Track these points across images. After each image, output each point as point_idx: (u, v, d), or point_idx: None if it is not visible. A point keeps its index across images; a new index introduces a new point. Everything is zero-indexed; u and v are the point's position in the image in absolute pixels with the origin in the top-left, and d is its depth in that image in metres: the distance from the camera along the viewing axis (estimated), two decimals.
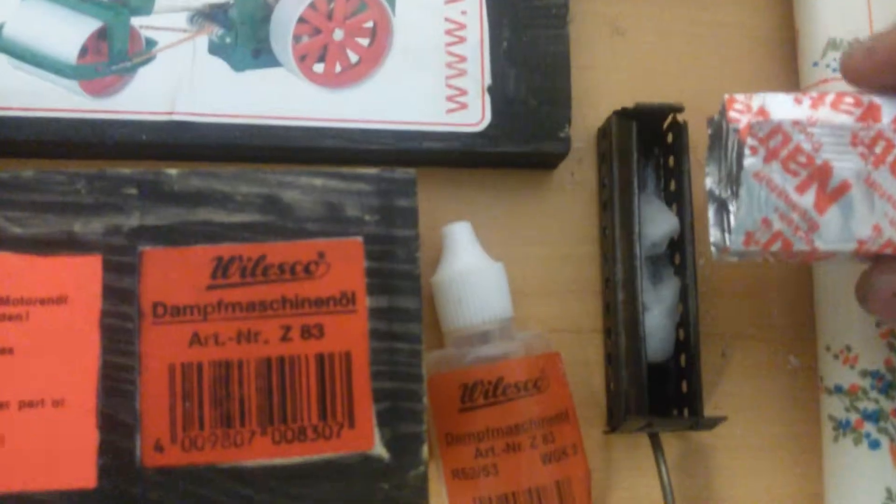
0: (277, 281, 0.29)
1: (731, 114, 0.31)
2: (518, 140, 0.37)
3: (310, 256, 0.29)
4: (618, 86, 0.41)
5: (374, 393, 0.28)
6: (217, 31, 0.36)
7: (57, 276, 0.28)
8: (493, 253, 0.36)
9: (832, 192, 0.29)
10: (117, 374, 0.28)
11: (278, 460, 0.28)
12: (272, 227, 0.29)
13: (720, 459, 0.39)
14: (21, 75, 0.35)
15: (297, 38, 0.37)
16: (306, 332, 0.29)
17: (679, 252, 0.38)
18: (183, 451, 0.27)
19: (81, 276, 0.28)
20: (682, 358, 0.37)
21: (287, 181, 0.30)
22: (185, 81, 0.36)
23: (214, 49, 0.36)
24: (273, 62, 0.37)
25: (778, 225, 0.30)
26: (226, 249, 0.29)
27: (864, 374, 0.35)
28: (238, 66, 0.36)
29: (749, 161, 0.30)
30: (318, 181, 0.30)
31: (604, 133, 0.39)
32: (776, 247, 0.30)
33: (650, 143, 0.39)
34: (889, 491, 0.34)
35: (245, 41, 0.37)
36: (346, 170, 0.30)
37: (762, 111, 0.30)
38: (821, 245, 0.30)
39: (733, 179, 0.31)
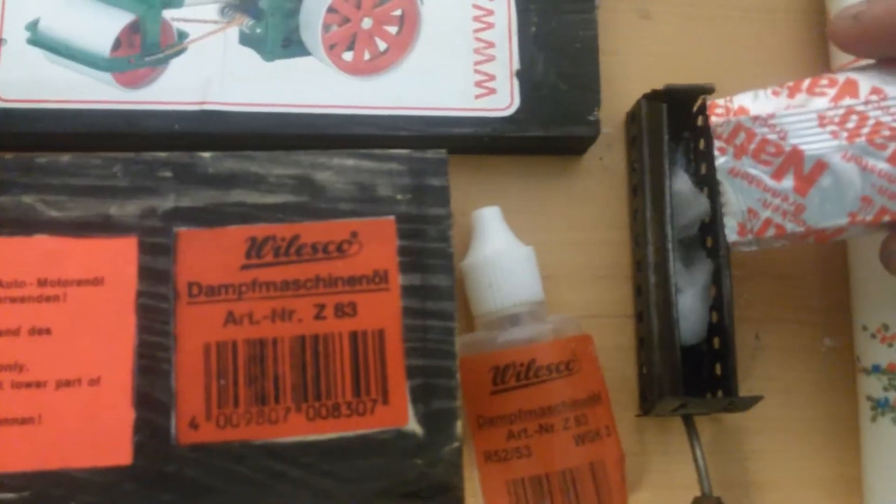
0: (311, 260, 0.29)
1: (713, 118, 0.32)
2: (547, 124, 0.37)
3: (343, 236, 0.29)
4: (645, 71, 0.41)
5: (408, 370, 0.29)
6: (247, 21, 0.37)
7: (93, 258, 0.28)
8: (522, 239, 0.36)
9: (809, 173, 0.30)
10: (153, 353, 0.28)
11: (313, 437, 0.28)
12: (305, 208, 0.29)
13: (755, 443, 0.38)
14: (56, 69, 0.36)
15: (326, 27, 0.37)
16: (340, 311, 0.29)
17: (711, 234, 0.37)
18: (218, 428, 0.28)
19: (117, 257, 0.29)
20: (716, 341, 0.37)
21: (319, 162, 0.30)
22: (216, 72, 0.36)
23: (245, 40, 0.37)
24: (303, 51, 0.37)
25: (764, 213, 0.31)
26: (259, 230, 0.29)
27: None
28: (268, 56, 0.37)
29: (720, 160, 0.32)
30: (350, 162, 0.30)
31: (633, 117, 0.39)
32: (770, 232, 0.31)
33: (680, 126, 0.39)
34: None
35: (275, 31, 0.37)
36: (377, 151, 0.30)
37: (741, 110, 0.31)
38: (812, 223, 0.30)
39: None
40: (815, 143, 0.30)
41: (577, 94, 0.37)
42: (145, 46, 0.36)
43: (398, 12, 0.37)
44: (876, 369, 0.35)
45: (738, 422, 0.38)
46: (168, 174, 0.29)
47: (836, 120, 0.30)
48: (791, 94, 0.31)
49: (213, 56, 0.36)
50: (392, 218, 0.30)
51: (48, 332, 0.28)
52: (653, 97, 0.38)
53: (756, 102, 0.31)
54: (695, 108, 0.38)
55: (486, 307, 0.35)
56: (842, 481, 0.38)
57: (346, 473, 0.28)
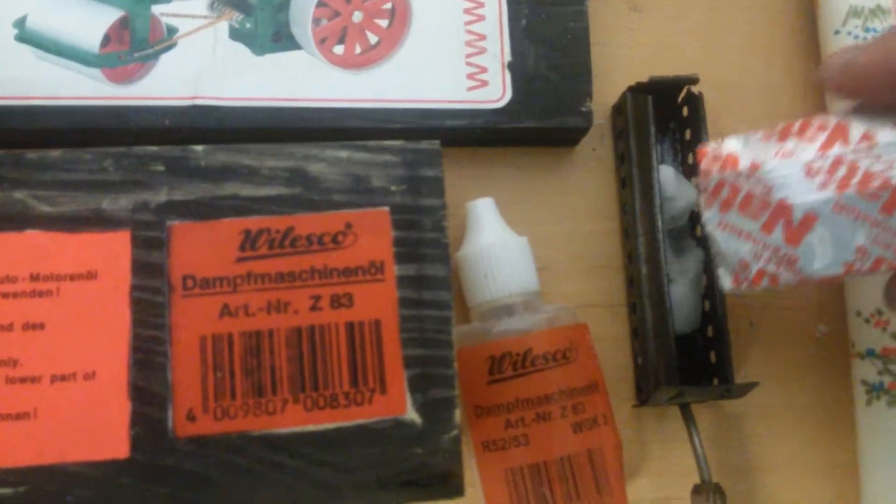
0: (306, 252, 0.29)
1: (703, 165, 0.31)
2: (540, 115, 0.37)
3: (337, 227, 0.29)
4: (637, 62, 0.41)
5: (405, 359, 0.29)
6: (237, 16, 0.37)
7: (86, 253, 0.28)
8: (516, 230, 0.36)
9: (800, 225, 0.29)
10: (148, 347, 0.28)
11: (311, 427, 0.28)
12: (299, 200, 0.29)
13: (751, 428, 0.38)
14: (45, 65, 0.35)
15: (316, 21, 0.37)
16: (336, 302, 0.29)
17: (700, 224, 0.37)
18: (215, 420, 0.28)
19: (110, 251, 0.28)
20: (709, 329, 0.37)
21: (313, 154, 0.30)
22: (206, 67, 0.36)
23: (235, 34, 0.37)
24: (293, 45, 0.37)
25: (757, 264, 0.30)
26: (254, 222, 0.29)
27: None
28: (259, 51, 0.37)
29: (707, 215, 0.31)
30: (343, 153, 0.30)
31: (619, 109, 0.39)
32: (765, 283, 0.30)
33: (666, 118, 0.39)
34: None
35: (265, 26, 0.37)
36: (371, 142, 0.30)
37: (730, 158, 0.30)
38: (807, 274, 0.29)
39: None
40: (803, 194, 0.29)
41: (568, 86, 0.37)
42: (135, 42, 0.36)
43: (388, 5, 0.37)
44: (870, 353, 0.35)
45: (735, 408, 0.38)
46: (160, 167, 0.29)
47: (825, 170, 0.28)
48: (781, 138, 0.30)
49: (203, 51, 0.36)
50: (387, 209, 0.30)
51: (42, 326, 0.28)
52: (637, 89, 0.38)
53: (746, 148, 0.30)
54: (680, 99, 0.38)
55: (481, 298, 0.35)
56: (838, 465, 0.38)
57: (345, 463, 0.28)
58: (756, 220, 0.30)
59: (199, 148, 0.30)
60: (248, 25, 0.37)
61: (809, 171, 0.29)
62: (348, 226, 0.29)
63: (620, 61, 0.41)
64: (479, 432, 0.34)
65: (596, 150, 0.40)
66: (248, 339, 0.28)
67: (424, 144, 0.30)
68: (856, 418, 0.37)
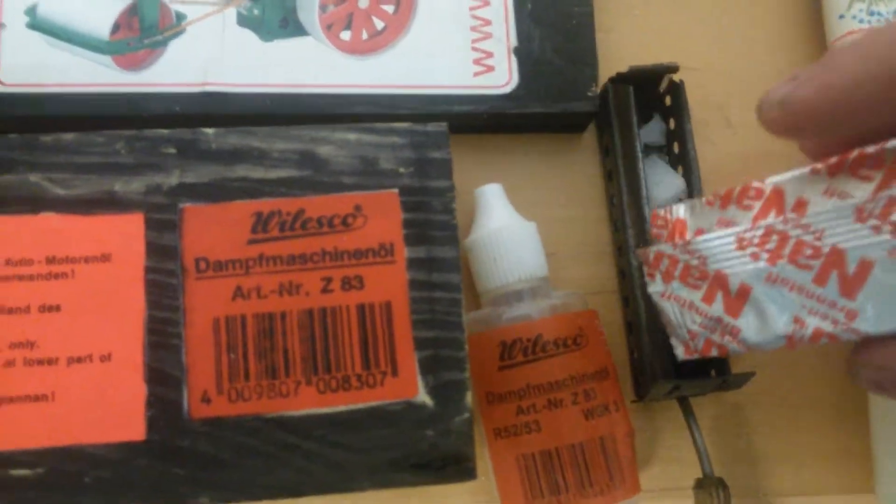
0: (316, 234, 0.29)
1: (653, 230, 0.32)
2: (546, 100, 0.37)
3: (347, 209, 0.29)
4: (641, 49, 0.41)
5: (416, 341, 0.29)
6: (245, 3, 0.37)
7: (100, 235, 0.28)
8: (524, 216, 0.36)
9: (737, 296, 0.29)
10: (163, 329, 0.28)
11: (324, 409, 0.28)
12: (309, 182, 0.30)
13: (762, 417, 0.38)
14: (56, 53, 0.36)
15: (323, 7, 0.37)
16: (347, 284, 0.29)
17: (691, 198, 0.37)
18: (230, 402, 0.28)
19: (124, 234, 0.29)
20: None
21: (321, 137, 0.30)
22: (215, 53, 0.36)
23: (243, 21, 0.37)
24: (300, 31, 0.37)
25: (704, 333, 0.30)
26: (265, 204, 0.29)
27: None
28: (266, 37, 0.37)
29: (651, 287, 0.32)
30: (352, 136, 0.30)
31: (603, 101, 0.39)
32: (714, 352, 0.30)
33: (651, 107, 0.39)
34: None
35: (272, 12, 0.37)
36: (378, 125, 0.30)
37: (678, 223, 0.31)
38: (751, 345, 0.29)
39: None
40: (736, 266, 0.29)
41: (574, 70, 0.38)
42: (144, 29, 0.36)
43: None
44: None
45: (744, 397, 0.38)
46: (172, 150, 0.29)
47: (756, 241, 0.28)
48: (723, 206, 0.30)
49: (211, 37, 0.36)
50: (395, 191, 0.30)
51: (58, 308, 0.28)
52: (619, 80, 0.38)
53: (692, 216, 0.31)
54: (662, 89, 0.39)
55: (491, 283, 0.35)
56: (850, 454, 0.38)
57: (358, 445, 0.28)
58: (697, 291, 0.30)
59: (209, 131, 0.30)
60: (255, 12, 0.37)
61: (741, 243, 0.29)
62: (357, 208, 0.29)
63: (626, 47, 0.41)
64: (490, 419, 0.34)
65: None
66: (261, 321, 0.28)
67: (432, 127, 0.31)
68: (869, 406, 0.37)
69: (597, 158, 0.40)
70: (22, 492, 0.27)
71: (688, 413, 0.36)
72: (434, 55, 0.37)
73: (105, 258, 0.28)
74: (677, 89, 0.38)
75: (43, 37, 0.36)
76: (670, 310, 0.31)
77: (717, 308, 0.29)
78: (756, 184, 0.29)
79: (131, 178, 0.29)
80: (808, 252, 0.27)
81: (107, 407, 0.27)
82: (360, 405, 0.28)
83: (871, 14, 0.37)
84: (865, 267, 0.26)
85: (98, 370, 0.27)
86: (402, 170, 0.30)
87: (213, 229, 0.29)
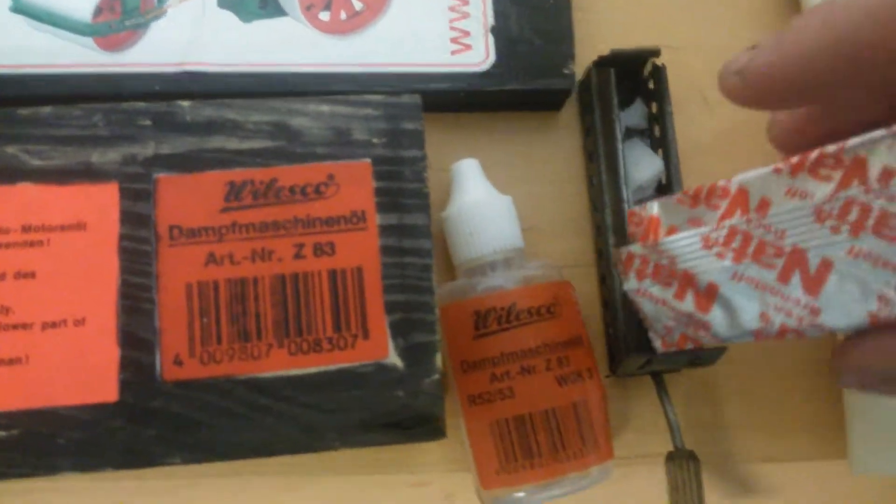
0: (289, 202, 0.30)
1: (630, 227, 0.32)
2: (523, 78, 0.38)
3: (320, 178, 0.30)
4: (620, 28, 0.41)
5: (387, 305, 0.29)
6: None
7: (76, 204, 0.29)
8: (502, 192, 0.37)
9: (705, 293, 0.29)
10: (136, 294, 0.28)
11: (295, 371, 0.28)
12: (283, 152, 0.30)
13: (737, 386, 0.38)
14: (39, 35, 0.36)
15: None
16: (319, 250, 0.29)
17: (667, 194, 0.38)
18: (202, 364, 0.28)
19: (99, 203, 0.29)
20: None
21: (296, 108, 0.31)
22: (195, 34, 0.37)
23: (223, 2, 0.37)
24: (280, 12, 0.38)
25: (678, 328, 0.31)
26: (238, 174, 0.30)
27: None
28: (246, 18, 0.37)
29: (626, 285, 0.32)
30: (325, 108, 0.31)
31: (585, 84, 0.39)
32: (689, 345, 0.31)
33: (633, 90, 0.39)
34: None
35: None
36: (352, 97, 0.31)
37: (652, 220, 0.31)
38: (723, 339, 0.29)
39: None
40: (703, 265, 0.29)
41: (551, 48, 0.38)
42: (126, 11, 0.37)
43: None
44: None
45: (717, 368, 0.38)
46: (147, 122, 0.30)
47: (721, 241, 0.29)
48: (693, 204, 0.30)
49: (192, 18, 0.37)
50: (368, 161, 0.30)
51: (33, 275, 0.28)
52: (601, 63, 0.38)
53: (665, 214, 0.31)
54: (645, 73, 0.39)
55: (466, 255, 0.35)
56: (824, 421, 0.38)
57: (329, 405, 0.28)
58: (668, 288, 0.30)
59: (185, 103, 0.30)
60: None
61: (706, 242, 0.29)
62: (330, 177, 0.30)
63: (604, 27, 0.41)
64: (465, 387, 0.34)
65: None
66: (233, 287, 0.29)
67: (405, 98, 0.31)
68: None
69: (575, 135, 0.40)
70: None
71: (660, 388, 0.36)
72: (412, 35, 0.38)
73: (80, 226, 0.29)
74: (659, 73, 0.38)
75: (26, 19, 0.36)
76: (645, 306, 0.32)
77: (689, 305, 0.30)
78: (722, 183, 0.29)
79: (107, 149, 0.30)
80: (771, 251, 0.27)
81: (80, 370, 0.28)
82: (331, 367, 0.29)
83: None
84: (826, 266, 0.26)
85: (72, 334, 0.28)
86: (375, 140, 0.31)
87: (186, 198, 0.29)
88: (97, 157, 0.29)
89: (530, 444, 0.33)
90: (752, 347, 0.39)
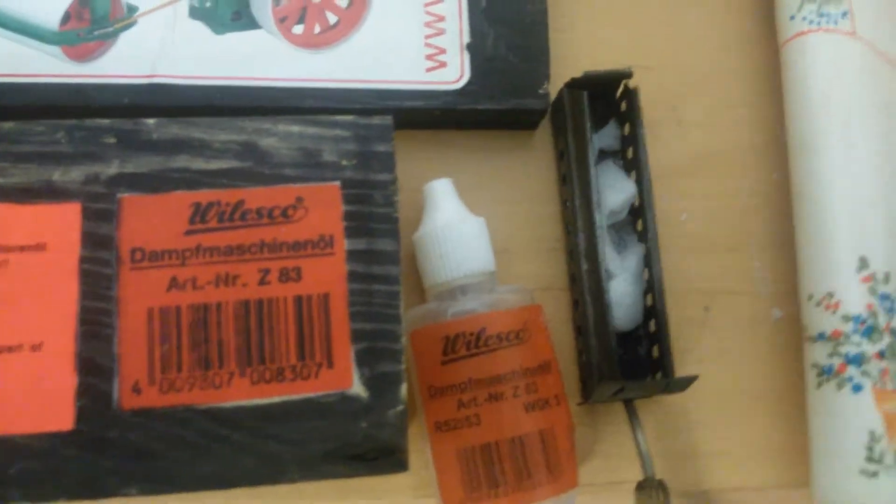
0: (255, 225, 0.29)
1: None
2: (498, 97, 0.37)
3: (288, 201, 0.29)
4: (595, 48, 0.41)
5: (353, 333, 0.29)
6: None
7: (36, 224, 0.28)
8: (475, 213, 0.36)
9: None
10: (96, 319, 0.28)
11: (256, 400, 0.28)
12: (250, 173, 0.29)
13: (704, 413, 0.38)
14: (4, 42, 0.35)
15: (276, 0, 0.37)
16: (284, 275, 0.29)
17: (640, 218, 0.38)
18: (161, 392, 0.28)
19: (61, 223, 0.28)
20: (651, 323, 0.37)
21: (264, 128, 0.30)
22: (165, 45, 0.36)
23: (195, 13, 0.37)
24: (253, 25, 0.37)
25: None
26: (204, 195, 0.29)
27: (847, 318, 0.35)
28: (218, 30, 0.37)
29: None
30: (295, 128, 0.30)
31: (558, 106, 0.39)
32: None
33: (606, 112, 0.39)
34: (872, 433, 0.34)
35: (225, 5, 0.37)
36: (322, 117, 0.30)
37: None
38: None
39: None
40: None
41: (527, 68, 0.38)
42: (95, 20, 0.36)
43: None
44: (821, 337, 0.35)
45: (689, 393, 0.38)
46: (112, 140, 0.29)
47: None
48: None
49: (162, 29, 0.36)
50: (337, 183, 0.30)
51: None
52: (574, 85, 0.38)
53: None
54: (618, 95, 0.39)
55: (437, 278, 0.35)
56: (789, 449, 0.38)
57: (291, 436, 0.28)
58: None
59: (150, 121, 0.30)
60: (207, 4, 0.37)
61: None
62: (299, 199, 0.29)
63: (580, 48, 0.41)
64: (432, 413, 0.34)
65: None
66: (195, 312, 0.28)
67: (376, 120, 0.30)
68: (806, 401, 0.37)
69: (549, 156, 0.40)
70: None
71: (632, 416, 0.36)
72: (387, 50, 0.37)
73: (40, 247, 0.28)
74: (631, 95, 0.38)
75: None
76: None
77: None
78: None
79: (70, 167, 0.29)
80: None
81: (36, 397, 0.27)
82: (294, 396, 0.28)
83: (821, 15, 0.37)
84: None
85: (28, 360, 0.27)
86: (344, 162, 0.30)
87: (150, 220, 0.29)
88: (59, 175, 0.29)
89: (495, 472, 0.33)
90: (723, 375, 0.39)
